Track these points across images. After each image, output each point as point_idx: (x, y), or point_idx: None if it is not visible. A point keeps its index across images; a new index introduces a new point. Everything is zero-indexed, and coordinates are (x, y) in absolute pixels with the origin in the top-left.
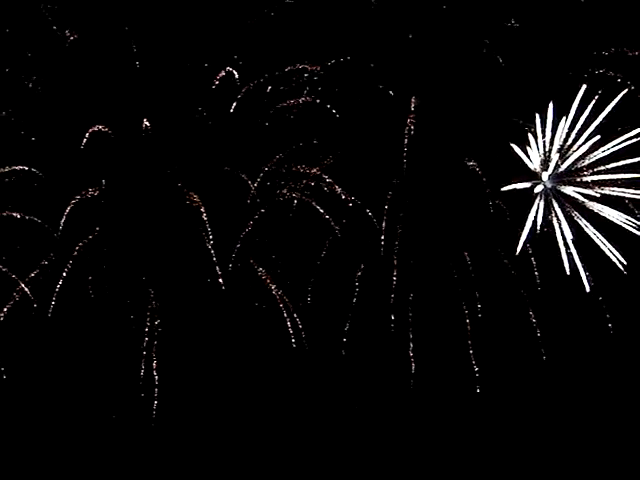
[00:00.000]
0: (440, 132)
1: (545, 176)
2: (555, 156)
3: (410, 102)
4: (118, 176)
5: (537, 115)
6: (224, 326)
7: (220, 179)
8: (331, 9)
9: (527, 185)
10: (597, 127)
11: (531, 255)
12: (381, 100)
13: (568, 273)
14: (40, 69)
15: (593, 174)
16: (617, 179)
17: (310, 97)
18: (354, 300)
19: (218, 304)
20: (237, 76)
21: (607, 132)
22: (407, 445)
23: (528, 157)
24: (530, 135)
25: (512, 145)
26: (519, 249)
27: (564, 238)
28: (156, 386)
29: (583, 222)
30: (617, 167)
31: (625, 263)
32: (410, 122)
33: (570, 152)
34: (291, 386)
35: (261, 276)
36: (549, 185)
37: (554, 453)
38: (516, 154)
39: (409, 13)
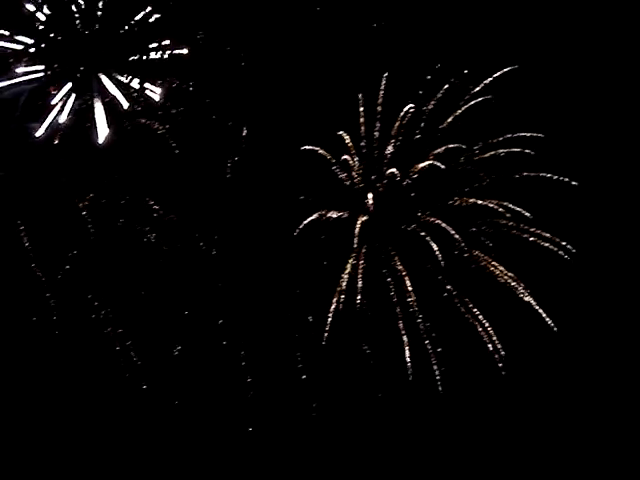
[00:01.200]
0: (268, 154)
1: (371, 197)
2: (389, 175)
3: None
4: None
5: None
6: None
7: (50, 206)
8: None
9: (345, 214)
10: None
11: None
12: (212, 128)
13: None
14: None
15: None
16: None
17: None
18: (185, 316)
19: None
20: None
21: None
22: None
23: (351, 177)
24: (351, 151)
25: (333, 165)
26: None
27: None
28: None
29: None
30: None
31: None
32: (238, 149)
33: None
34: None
35: (92, 302)
36: (371, 209)
37: None
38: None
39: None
